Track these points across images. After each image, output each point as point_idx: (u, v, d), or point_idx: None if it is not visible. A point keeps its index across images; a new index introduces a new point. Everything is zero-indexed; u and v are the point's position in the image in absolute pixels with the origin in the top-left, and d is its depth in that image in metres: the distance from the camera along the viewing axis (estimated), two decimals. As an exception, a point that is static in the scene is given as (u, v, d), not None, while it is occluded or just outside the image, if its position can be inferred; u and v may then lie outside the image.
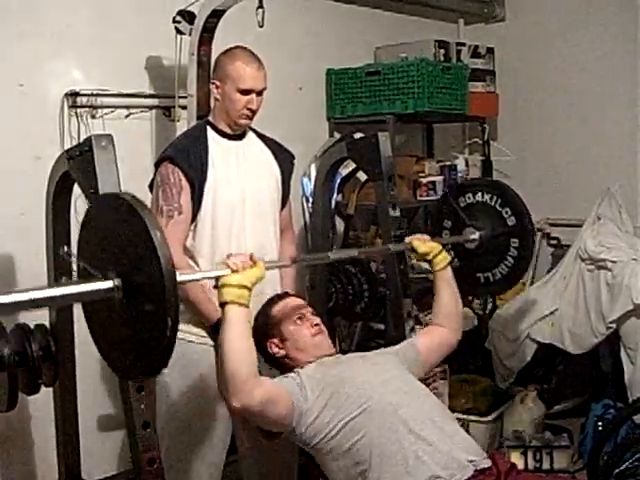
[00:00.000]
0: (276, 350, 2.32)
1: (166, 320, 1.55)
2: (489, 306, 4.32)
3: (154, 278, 1.56)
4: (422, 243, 2.51)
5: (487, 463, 2.06)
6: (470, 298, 4.33)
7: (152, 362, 1.65)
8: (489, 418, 3.73)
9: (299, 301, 2.45)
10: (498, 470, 2.05)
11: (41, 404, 2.60)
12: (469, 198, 2.87)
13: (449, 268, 2.54)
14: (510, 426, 3.71)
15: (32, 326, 2.36)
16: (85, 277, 1.71)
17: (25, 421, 2.84)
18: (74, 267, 1.84)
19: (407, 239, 2.57)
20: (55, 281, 2.39)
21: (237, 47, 2.54)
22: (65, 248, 1.94)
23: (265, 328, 2.35)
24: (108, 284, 1.62)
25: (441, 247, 2.54)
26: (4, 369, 2.27)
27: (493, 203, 2.84)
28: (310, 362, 2.27)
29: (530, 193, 4.37)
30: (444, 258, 2.53)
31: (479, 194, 2.87)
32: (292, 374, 2.21)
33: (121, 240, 1.65)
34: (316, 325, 2.34)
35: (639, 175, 4.08)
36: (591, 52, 4.25)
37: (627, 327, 3.52)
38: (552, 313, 3.80)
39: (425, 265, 3.84)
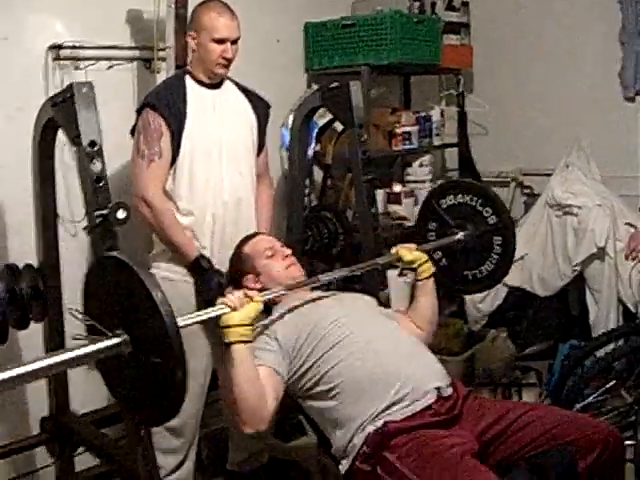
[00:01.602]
0: (252, 285, 2.43)
1: (175, 373, 1.63)
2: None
3: (159, 335, 1.62)
4: (408, 252, 2.58)
5: (449, 390, 2.23)
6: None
7: (165, 411, 1.75)
8: (461, 358, 3.92)
9: (269, 237, 2.60)
10: (457, 395, 2.22)
11: (30, 341, 2.75)
12: (450, 200, 2.91)
13: (432, 279, 2.62)
14: (481, 365, 3.88)
15: (21, 266, 2.51)
16: (93, 332, 1.77)
17: (15, 358, 2.98)
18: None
19: (394, 249, 2.63)
20: (42, 223, 2.54)
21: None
22: (73, 308, 1.98)
23: (240, 266, 2.49)
24: (117, 340, 1.69)
25: (426, 257, 2.61)
26: (-5, 306, 2.41)
27: (474, 203, 2.87)
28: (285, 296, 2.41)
29: (505, 144, 4.58)
30: (428, 268, 2.60)
31: (460, 195, 2.90)
32: (267, 337, 2.28)
33: (124, 299, 1.71)
34: (287, 257, 2.49)
35: (609, 127, 4.18)
36: (565, 5, 4.33)
37: (591, 270, 3.68)
38: (522, 258, 3.93)
39: (401, 212, 4.07)
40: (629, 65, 4.06)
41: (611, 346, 3.36)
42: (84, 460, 2.93)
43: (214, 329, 2.70)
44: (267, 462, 3.10)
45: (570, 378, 3.32)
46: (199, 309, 2.63)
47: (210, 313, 2.05)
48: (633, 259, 3.34)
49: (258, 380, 2.11)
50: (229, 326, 2.05)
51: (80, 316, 1.81)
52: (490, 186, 4.31)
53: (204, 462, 3.11)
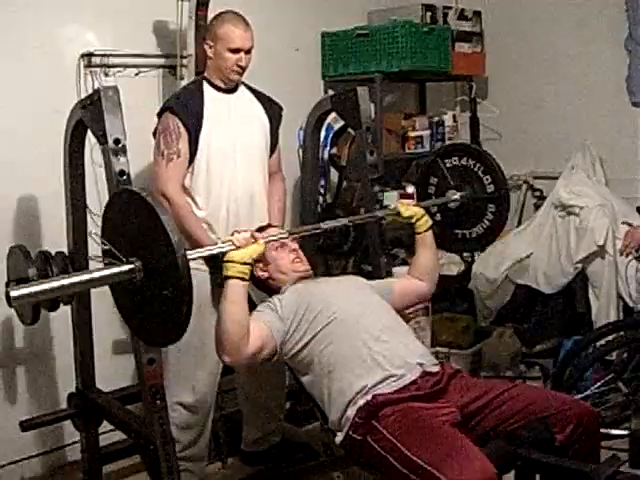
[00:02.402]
0: (261, 273, 2.67)
1: (182, 303, 1.83)
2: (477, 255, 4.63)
3: (170, 266, 1.82)
4: (406, 208, 2.78)
5: (435, 368, 2.43)
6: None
7: (171, 334, 1.97)
8: (469, 351, 4.10)
9: (279, 230, 2.81)
10: (443, 372, 2.42)
11: (60, 321, 3.00)
12: (455, 160, 3.07)
13: (430, 232, 2.80)
14: (488, 359, 4.05)
15: (53, 252, 2.75)
16: (109, 257, 1.99)
17: (47, 340, 3.24)
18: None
19: (393, 204, 2.84)
20: (72, 215, 2.78)
21: (227, 11, 2.89)
22: (92, 231, 2.21)
23: (251, 255, 2.72)
24: (131, 266, 1.90)
25: (424, 212, 2.80)
26: (29, 288, 2.65)
27: (476, 169, 3.03)
28: (289, 281, 2.63)
29: (516, 148, 4.73)
30: (426, 222, 2.79)
31: (464, 158, 3.06)
32: (270, 301, 2.54)
33: (140, 231, 1.91)
34: (294, 250, 2.70)
35: (616, 131, 4.32)
36: (575, 14, 4.48)
37: (593, 267, 3.83)
38: (528, 256, 4.11)
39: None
40: (635, 72, 4.21)
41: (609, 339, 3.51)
42: (108, 438, 3.17)
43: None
44: (279, 442, 3.31)
45: (568, 369, 3.48)
46: (213, 296, 2.88)
47: (217, 248, 2.28)
48: (627, 255, 3.49)
49: (246, 319, 2.32)
50: (230, 261, 2.27)
51: (99, 240, 2.03)
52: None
53: (220, 443, 3.32)
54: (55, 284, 1.88)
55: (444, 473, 1.94)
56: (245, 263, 2.29)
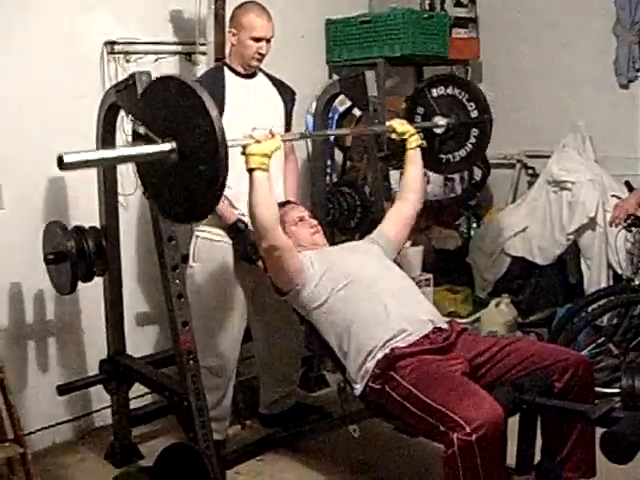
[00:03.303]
0: (281, 246, 2.90)
1: (218, 176, 2.00)
2: (473, 232, 4.86)
3: (208, 140, 1.99)
4: (400, 125, 3.04)
5: (445, 325, 2.66)
6: (457, 222, 4.90)
7: (201, 210, 2.17)
8: (468, 320, 4.33)
9: (300, 207, 3.04)
10: (452, 329, 2.65)
11: (94, 291, 3.18)
12: (441, 90, 3.28)
13: (419, 150, 3.06)
14: (486, 327, 4.29)
15: (87, 227, 2.96)
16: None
17: (75, 312, 3.45)
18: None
19: (388, 122, 3.07)
20: (104, 191, 2.99)
21: (250, 1, 3.10)
22: (131, 117, 2.41)
23: (273, 228, 2.94)
24: (169, 145, 2.08)
25: (415, 130, 3.05)
26: (67, 260, 2.87)
27: (461, 97, 3.23)
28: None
29: (510, 129, 4.92)
30: (416, 139, 3.05)
31: (450, 87, 3.27)
32: (300, 253, 2.78)
33: (176, 112, 2.07)
34: (313, 226, 2.93)
35: (604, 111, 4.51)
36: (564, 3, 4.64)
37: (584, 239, 4.05)
38: (523, 230, 4.34)
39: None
40: (622, 55, 4.42)
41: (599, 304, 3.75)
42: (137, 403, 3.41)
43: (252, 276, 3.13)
44: (294, 405, 3.53)
45: (562, 335, 3.72)
46: (237, 267, 3.09)
47: (239, 141, 2.49)
48: (616, 226, 3.73)
49: (273, 203, 2.60)
50: (251, 154, 2.49)
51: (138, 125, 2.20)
52: (497, 167, 4.83)
53: (239, 406, 3.54)
54: (100, 154, 2.17)
55: (457, 413, 2.17)
56: (264, 155, 2.51)
